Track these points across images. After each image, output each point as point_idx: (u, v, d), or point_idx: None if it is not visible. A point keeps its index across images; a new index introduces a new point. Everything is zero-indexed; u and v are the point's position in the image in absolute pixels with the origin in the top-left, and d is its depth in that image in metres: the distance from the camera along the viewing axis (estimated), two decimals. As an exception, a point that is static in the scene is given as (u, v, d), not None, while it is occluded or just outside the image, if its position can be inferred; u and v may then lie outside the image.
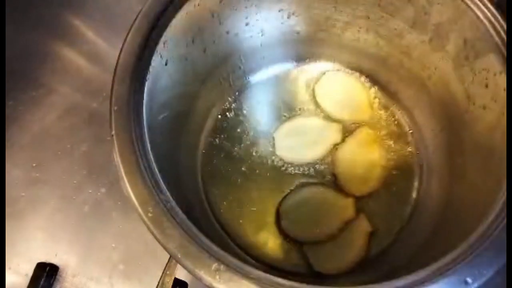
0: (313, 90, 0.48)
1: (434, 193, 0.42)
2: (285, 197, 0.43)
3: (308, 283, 0.26)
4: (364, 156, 0.45)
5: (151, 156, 0.30)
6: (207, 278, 0.26)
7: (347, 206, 0.42)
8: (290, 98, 0.48)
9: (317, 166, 0.45)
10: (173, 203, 0.29)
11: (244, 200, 0.43)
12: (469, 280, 0.26)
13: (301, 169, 0.45)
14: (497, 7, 0.33)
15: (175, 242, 0.27)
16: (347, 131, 0.46)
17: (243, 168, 0.44)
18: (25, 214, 0.46)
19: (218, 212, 0.43)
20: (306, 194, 0.43)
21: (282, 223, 0.42)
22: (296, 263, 0.41)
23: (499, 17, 0.33)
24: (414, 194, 0.44)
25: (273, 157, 0.45)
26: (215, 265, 0.26)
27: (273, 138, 0.46)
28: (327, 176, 0.44)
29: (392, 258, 0.40)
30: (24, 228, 0.45)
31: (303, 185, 0.44)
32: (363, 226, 0.42)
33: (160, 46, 0.33)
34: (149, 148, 0.30)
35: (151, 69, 0.32)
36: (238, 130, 0.46)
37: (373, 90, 0.48)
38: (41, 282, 0.42)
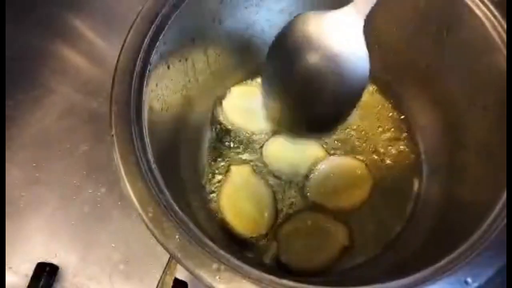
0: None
1: (434, 193, 0.42)
2: (281, 223, 0.42)
3: (308, 283, 0.26)
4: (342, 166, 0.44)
5: (151, 156, 0.30)
6: (207, 278, 0.26)
7: (341, 234, 0.41)
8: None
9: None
10: (173, 203, 0.29)
11: (245, 199, 0.43)
12: (469, 280, 0.26)
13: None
14: (497, 7, 0.33)
15: (175, 242, 0.27)
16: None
17: (244, 168, 0.44)
18: (25, 214, 0.46)
19: (219, 212, 0.43)
20: (302, 222, 0.42)
21: (282, 258, 0.41)
22: (264, 249, 0.41)
23: (499, 17, 0.33)
24: (414, 195, 0.44)
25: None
26: (215, 265, 0.26)
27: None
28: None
29: (392, 257, 0.40)
30: (24, 228, 0.45)
31: (299, 210, 0.43)
32: (340, 238, 0.41)
33: (160, 46, 0.33)
34: (149, 148, 0.30)
35: (151, 69, 0.32)
36: (237, 129, 0.46)
37: (373, 90, 0.48)
38: (41, 282, 0.42)
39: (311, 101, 0.38)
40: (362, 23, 0.34)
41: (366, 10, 0.34)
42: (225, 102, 0.47)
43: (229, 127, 0.46)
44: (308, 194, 0.43)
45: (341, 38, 0.35)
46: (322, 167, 0.44)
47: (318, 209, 0.43)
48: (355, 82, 0.36)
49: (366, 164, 0.44)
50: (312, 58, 0.36)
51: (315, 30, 0.35)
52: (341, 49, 0.35)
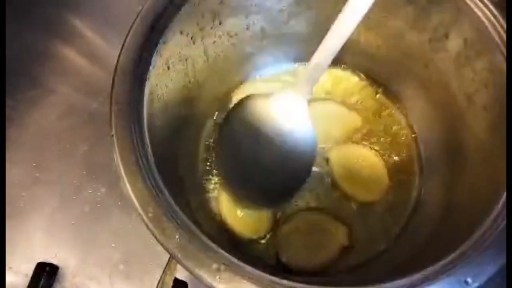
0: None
1: (434, 193, 0.42)
2: (281, 223, 0.42)
3: (308, 283, 0.26)
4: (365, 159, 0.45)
5: (151, 156, 0.30)
6: (207, 278, 0.26)
7: (341, 234, 0.42)
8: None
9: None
10: (173, 203, 0.29)
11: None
12: (469, 280, 0.26)
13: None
14: (497, 7, 0.33)
15: (175, 242, 0.27)
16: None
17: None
18: (25, 214, 0.46)
19: (219, 212, 0.43)
20: (302, 222, 0.42)
21: (282, 258, 0.41)
22: (264, 248, 0.42)
23: (499, 17, 0.33)
24: (414, 194, 0.44)
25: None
26: (215, 265, 0.26)
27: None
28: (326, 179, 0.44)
29: (392, 257, 0.40)
30: (24, 228, 0.45)
31: (299, 209, 0.43)
32: (340, 238, 0.41)
33: (160, 46, 0.33)
34: (149, 148, 0.30)
35: (151, 69, 0.32)
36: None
37: (373, 91, 0.48)
38: (41, 282, 0.42)
39: (266, 177, 0.41)
40: (306, 103, 0.37)
41: (308, 93, 0.37)
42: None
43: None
44: (331, 166, 0.44)
45: (289, 118, 0.38)
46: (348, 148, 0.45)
47: (334, 188, 0.44)
48: (306, 154, 0.39)
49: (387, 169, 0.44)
50: (264, 137, 0.39)
51: (265, 112, 0.38)
52: (290, 128, 0.38)
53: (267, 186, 0.41)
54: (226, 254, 0.27)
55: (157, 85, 0.34)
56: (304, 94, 0.37)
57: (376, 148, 0.45)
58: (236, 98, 0.47)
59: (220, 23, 0.40)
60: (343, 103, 0.47)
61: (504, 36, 0.32)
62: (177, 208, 0.28)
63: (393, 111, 0.47)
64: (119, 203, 0.46)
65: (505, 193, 0.29)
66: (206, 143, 0.46)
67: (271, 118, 0.38)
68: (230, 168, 0.42)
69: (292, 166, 0.40)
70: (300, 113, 0.38)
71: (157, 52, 0.33)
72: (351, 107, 0.47)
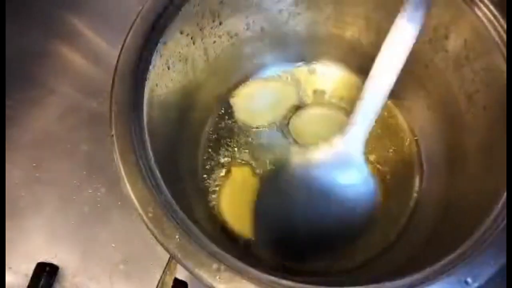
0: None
1: (434, 193, 0.42)
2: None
3: (308, 283, 0.26)
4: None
5: (151, 156, 0.30)
6: (207, 278, 0.26)
7: None
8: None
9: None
10: (173, 203, 0.29)
11: (245, 200, 0.43)
12: (469, 280, 0.26)
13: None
14: (497, 7, 0.33)
15: (175, 242, 0.27)
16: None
17: (244, 169, 0.44)
18: (25, 214, 0.46)
19: (219, 212, 0.43)
20: None
21: None
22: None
23: (499, 17, 0.33)
24: (414, 195, 0.44)
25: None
26: (215, 265, 0.26)
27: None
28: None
29: (392, 258, 0.40)
30: (24, 228, 0.45)
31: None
32: None
33: (160, 46, 0.33)
34: (149, 148, 0.30)
35: (151, 69, 0.32)
36: (238, 129, 0.46)
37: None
38: (41, 282, 0.42)
39: (316, 235, 0.37)
40: (362, 149, 0.34)
41: (364, 135, 0.33)
42: (232, 103, 0.47)
43: (235, 127, 0.46)
44: None
45: (346, 172, 0.34)
46: None
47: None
48: (364, 209, 0.36)
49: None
50: (315, 195, 0.35)
51: (315, 170, 0.35)
52: (347, 182, 0.35)
53: (316, 243, 0.38)
54: (226, 254, 0.27)
55: (157, 85, 0.34)
56: (357, 141, 0.33)
57: (377, 154, 0.45)
58: (236, 98, 0.47)
59: (220, 23, 0.40)
60: (342, 108, 0.47)
61: (504, 36, 0.32)
62: (177, 208, 0.28)
63: (393, 112, 0.47)
64: (119, 203, 0.46)
65: (505, 193, 0.29)
66: (206, 144, 0.46)
67: (323, 177, 0.35)
68: (271, 227, 0.39)
69: (346, 223, 0.36)
70: (358, 165, 0.34)
71: (157, 52, 0.33)
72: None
